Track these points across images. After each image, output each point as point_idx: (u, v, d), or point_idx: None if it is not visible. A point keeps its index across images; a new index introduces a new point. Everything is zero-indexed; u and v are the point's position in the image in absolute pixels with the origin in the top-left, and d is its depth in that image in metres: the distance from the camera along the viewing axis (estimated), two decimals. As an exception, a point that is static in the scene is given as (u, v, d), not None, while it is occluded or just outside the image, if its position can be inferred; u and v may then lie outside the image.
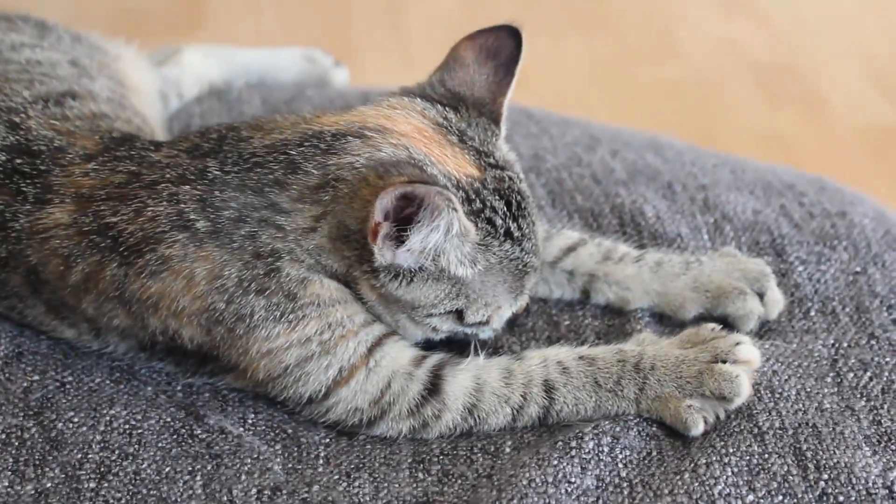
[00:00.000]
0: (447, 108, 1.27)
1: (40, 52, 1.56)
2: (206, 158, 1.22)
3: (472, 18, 3.41)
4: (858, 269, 1.43)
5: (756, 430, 1.20)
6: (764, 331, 1.36)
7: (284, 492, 1.19)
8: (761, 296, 1.35)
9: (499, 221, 1.19)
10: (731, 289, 1.34)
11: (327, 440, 1.26)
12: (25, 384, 1.30)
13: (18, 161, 1.28)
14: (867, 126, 3.18)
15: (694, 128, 3.12)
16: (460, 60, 1.31)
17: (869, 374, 1.28)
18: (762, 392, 1.25)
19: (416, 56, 3.46)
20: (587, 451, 1.18)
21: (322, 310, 1.20)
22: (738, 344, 1.23)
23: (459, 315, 1.24)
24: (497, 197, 1.20)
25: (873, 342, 1.33)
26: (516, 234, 1.21)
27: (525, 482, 1.14)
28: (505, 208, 1.20)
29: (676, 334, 1.30)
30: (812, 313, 1.38)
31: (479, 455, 1.22)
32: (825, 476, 1.15)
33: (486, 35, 1.32)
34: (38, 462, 1.22)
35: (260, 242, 1.17)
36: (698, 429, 1.20)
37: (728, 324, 1.34)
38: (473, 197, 1.18)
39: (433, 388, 1.24)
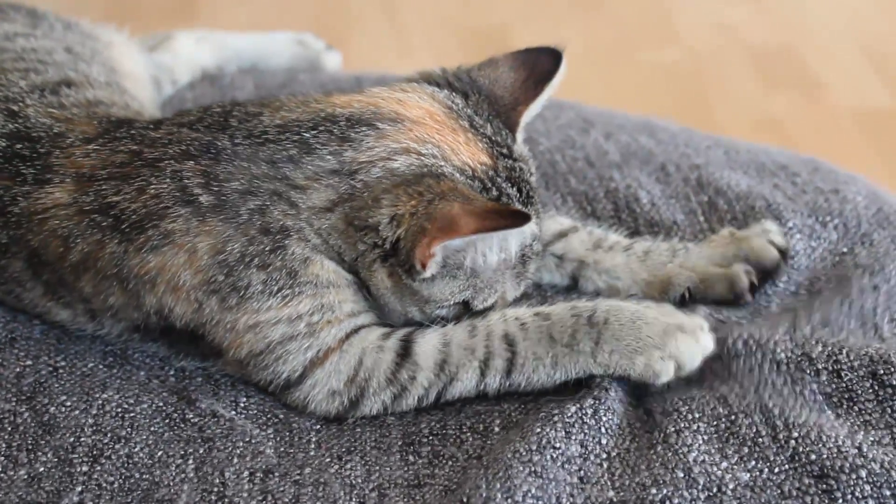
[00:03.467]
0: (455, 94, 1.27)
1: (34, 41, 1.56)
2: (213, 132, 1.22)
3: (465, 2, 3.41)
4: (845, 249, 1.43)
5: (718, 395, 1.21)
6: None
7: (276, 474, 1.19)
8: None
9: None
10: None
11: (318, 425, 1.26)
12: (18, 369, 1.30)
13: (18, 146, 1.29)
14: (864, 109, 3.18)
15: (691, 111, 3.12)
16: (493, 61, 1.33)
17: (828, 329, 1.28)
18: (713, 365, 1.25)
19: (409, 40, 3.45)
20: (570, 414, 1.18)
21: (318, 290, 1.20)
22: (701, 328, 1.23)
23: (466, 303, 1.25)
24: (509, 184, 1.21)
25: (844, 306, 1.32)
26: None
27: (510, 454, 1.14)
28: (518, 195, 1.21)
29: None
30: (801, 291, 1.38)
31: (469, 435, 1.23)
32: (795, 434, 1.15)
33: (529, 51, 1.34)
34: (30, 446, 1.22)
35: (269, 218, 1.18)
36: (668, 375, 1.21)
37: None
38: (489, 185, 1.19)
39: (405, 352, 1.24)
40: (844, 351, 1.23)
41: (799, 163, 1.62)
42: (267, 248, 1.18)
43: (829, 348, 1.24)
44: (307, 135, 1.19)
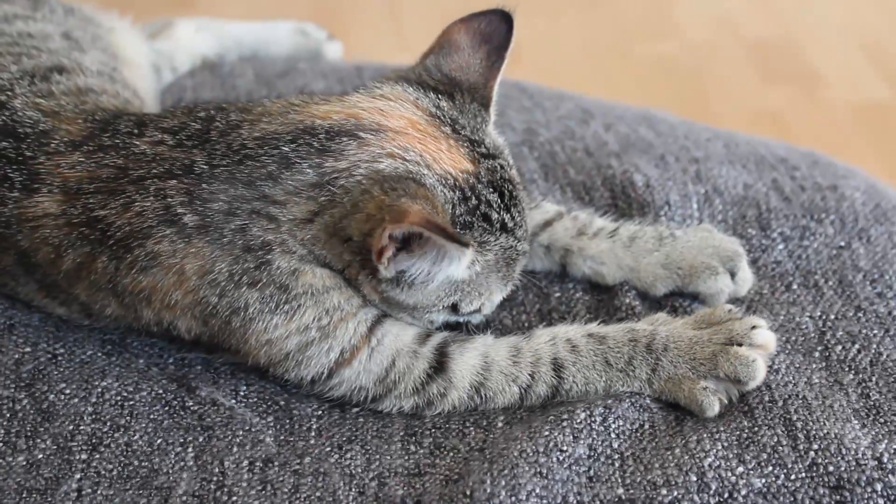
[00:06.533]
0: (440, 97, 1.26)
1: (33, 25, 1.55)
2: (192, 151, 1.20)
3: (465, -8, 3.40)
4: (843, 243, 1.43)
5: (746, 407, 1.21)
6: (750, 302, 1.36)
7: (276, 463, 1.19)
8: (733, 274, 1.34)
9: (494, 216, 1.19)
10: (703, 267, 1.34)
11: (319, 412, 1.26)
12: (17, 356, 1.30)
13: (4, 144, 1.27)
14: (862, 103, 3.18)
15: (689, 104, 3.12)
16: (455, 44, 1.30)
17: (857, 346, 1.29)
18: None
19: (408, 28, 3.45)
20: (579, 420, 1.18)
21: (317, 297, 1.19)
22: (754, 327, 1.23)
23: (454, 307, 1.24)
24: (491, 189, 1.20)
25: (860, 314, 1.33)
26: (510, 224, 1.21)
27: (516, 453, 1.15)
28: (499, 200, 1.20)
29: (667, 312, 1.31)
30: (795, 286, 1.38)
31: (472, 429, 1.23)
32: (815, 446, 1.16)
33: (479, 19, 1.31)
34: (29, 433, 1.22)
35: (250, 235, 1.17)
36: (714, 410, 1.20)
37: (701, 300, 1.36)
38: (469, 194, 1.18)
39: (439, 366, 1.24)
40: (874, 379, 1.25)
41: (798, 156, 1.62)
42: (252, 266, 1.17)
43: (860, 375, 1.25)
44: (286, 148, 1.18)
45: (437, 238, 1.10)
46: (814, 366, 1.27)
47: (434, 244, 1.12)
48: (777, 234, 1.44)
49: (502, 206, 1.20)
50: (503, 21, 1.31)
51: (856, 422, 1.19)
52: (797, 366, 1.26)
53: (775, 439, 1.17)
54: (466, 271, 1.19)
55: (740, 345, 1.21)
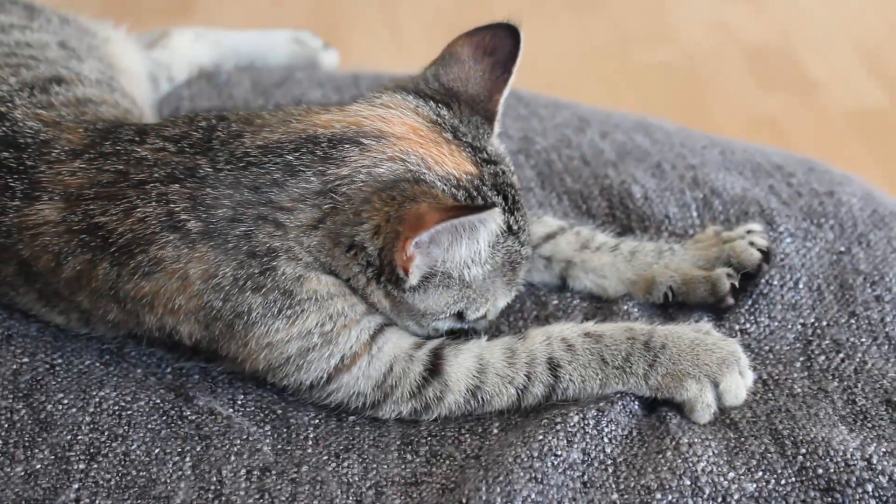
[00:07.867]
0: (440, 105, 1.26)
1: (29, 34, 1.55)
2: (195, 156, 1.21)
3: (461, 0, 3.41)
4: (843, 248, 1.43)
5: (729, 421, 1.22)
6: (757, 296, 1.36)
7: (273, 472, 1.20)
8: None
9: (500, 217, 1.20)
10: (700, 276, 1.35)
11: (316, 421, 1.26)
12: (15, 366, 1.30)
13: (5, 155, 1.28)
14: (858, 109, 3.19)
15: (686, 111, 3.12)
16: (456, 56, 1.31)
17: (841, 355, 1.29)
18: None
19: (405, 37, 3.45)
20: (572, 424, 1.19)
21: (321, 303, 1.20)
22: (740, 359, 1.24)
23: (460, 315, 1.25)
24: (495, 192, 1.21)
25: (853, 320, 1.33)
26: (514, 227, 1.22)
27: (511, 459, 1.15)
28: (503, 202, 1.21)
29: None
30: (801, 286, 1.38)
31: (467, 436, 1.23)
32: (803, 451, 1.16)
33: (484, 32, 1.32)
34: (27, 444, 1.22)
35: (255, 241, 1.17)
36: (706, 418, 1.21)
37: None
38: (475, 195, 1.19)
39: (434, 368, 1.24)
40: (860, 385, 1.25)
41: (794, 163, 1.62)
42: (256, 271, 1.17)
43: (845, 382, 1.26)
44: (290, 157, 1.18)
45: (461, 220, 1.11)
46: (795, 375, 1.27)
47: (455, 226, 1.13)
48: (783, 229, 1.44)
49: (506, 208, 1.21)
50: (509, 35, 1.31)
51: (843, 427, 1.19)
52: (776, 377, 1.27)
53: (763, 447, 1.17)
54: (479, 269, 1.20)
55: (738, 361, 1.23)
